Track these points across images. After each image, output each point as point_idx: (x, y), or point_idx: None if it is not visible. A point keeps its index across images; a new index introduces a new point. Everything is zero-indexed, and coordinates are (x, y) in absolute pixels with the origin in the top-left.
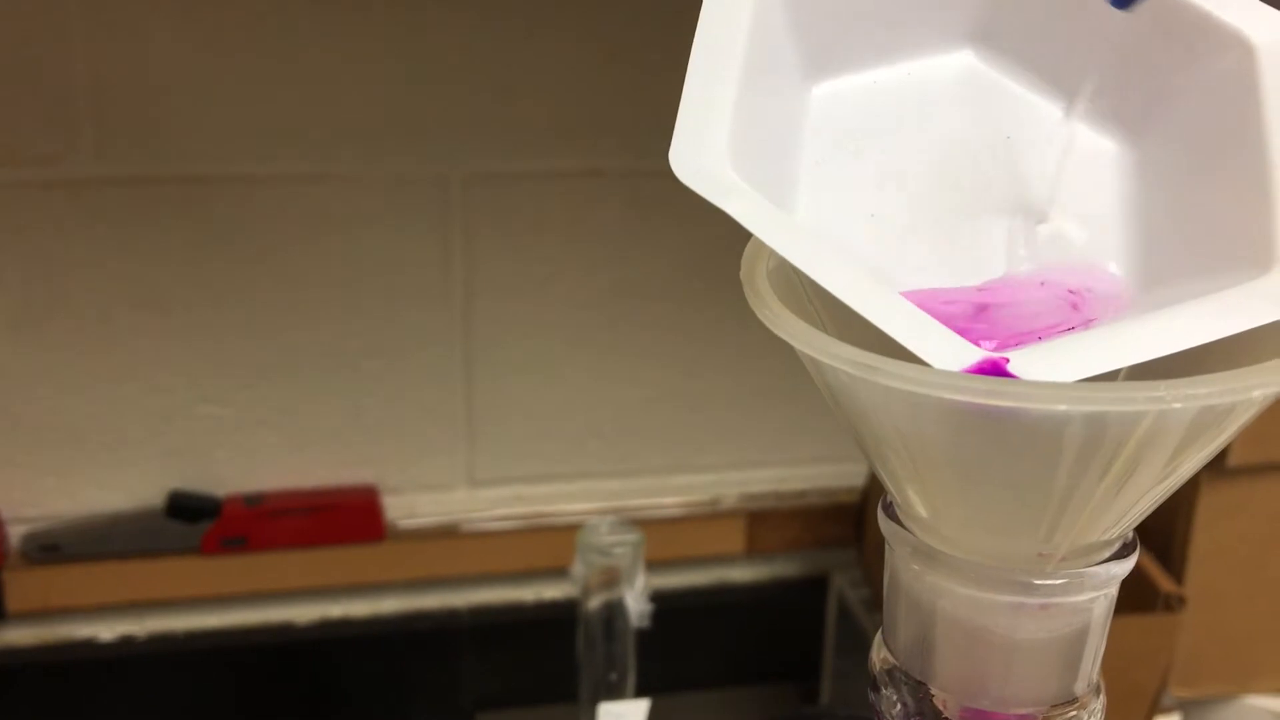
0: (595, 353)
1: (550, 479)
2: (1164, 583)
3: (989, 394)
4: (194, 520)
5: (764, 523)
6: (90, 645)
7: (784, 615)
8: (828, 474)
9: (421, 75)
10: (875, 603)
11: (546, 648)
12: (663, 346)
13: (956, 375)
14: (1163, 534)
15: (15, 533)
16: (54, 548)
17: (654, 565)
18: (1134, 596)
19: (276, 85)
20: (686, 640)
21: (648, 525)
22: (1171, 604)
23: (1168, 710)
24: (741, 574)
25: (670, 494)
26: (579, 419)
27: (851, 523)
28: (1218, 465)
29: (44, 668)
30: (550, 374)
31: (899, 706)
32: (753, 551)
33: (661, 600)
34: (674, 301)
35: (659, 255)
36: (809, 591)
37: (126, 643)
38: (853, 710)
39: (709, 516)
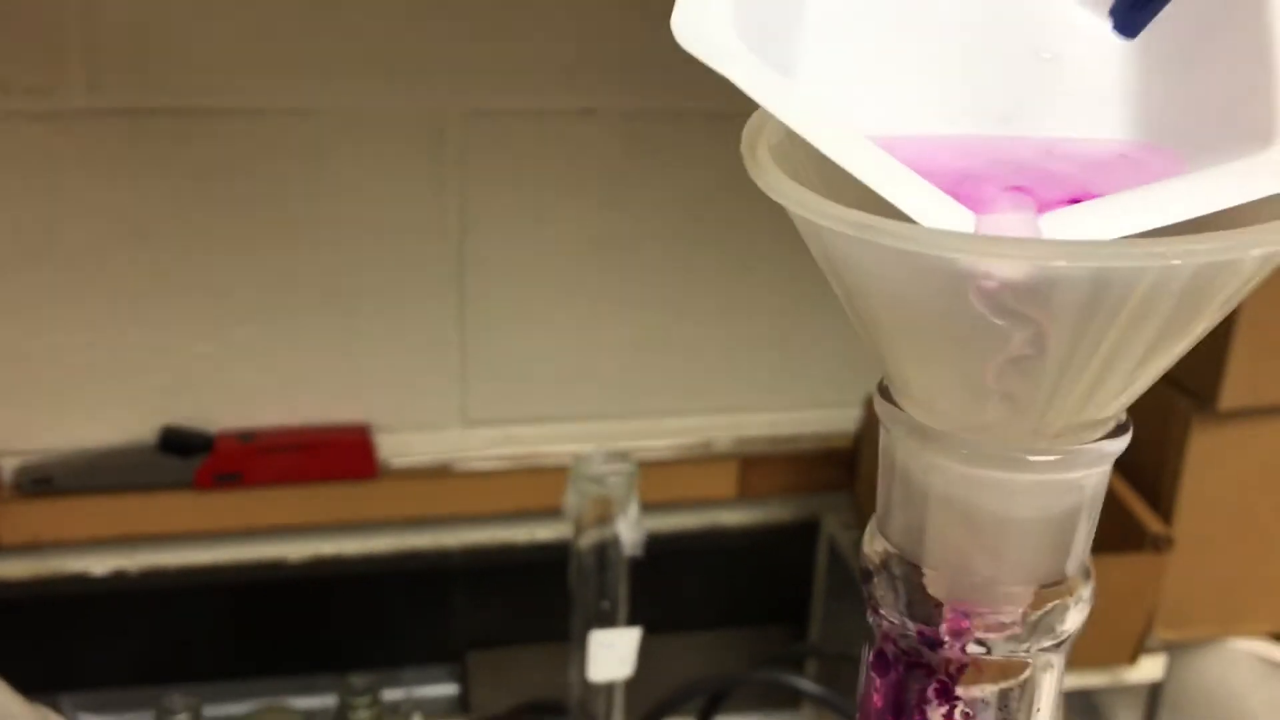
0: (589, 293)
1: (543, 420)
2: (1152, 524)
3: (985, 252)
4: (187, 455)
5: (756, 466)
6: (83, 579)
7: (775, 559)
8: (821, 418)
9: (418, 10)
10: None
11: (538, 588)
12: (657, 288)
13: (953, 234)
14: (1152, 475)
15: (8, 466)
16: (47, 481)
17: (646, 507)
18: (1122, 537)
19: (272, 18)
20: (678, 582)
21: (640, 468)
22: (1159, 545)
23: (1153, 651)
24: (733, 517)
25: (663, 436)
26: (573, 359)
27: (844, 467)
28: (1209, 408)
29: (36, 601)
30: (544, 314)
31: (891, 592)
32: (745, 495)
33: (653, 542)
34: (669, 243)
35: (654, 196)
36: (800, 535)
37: (119, 577)
38: (843, 648)
39: (701, 459)
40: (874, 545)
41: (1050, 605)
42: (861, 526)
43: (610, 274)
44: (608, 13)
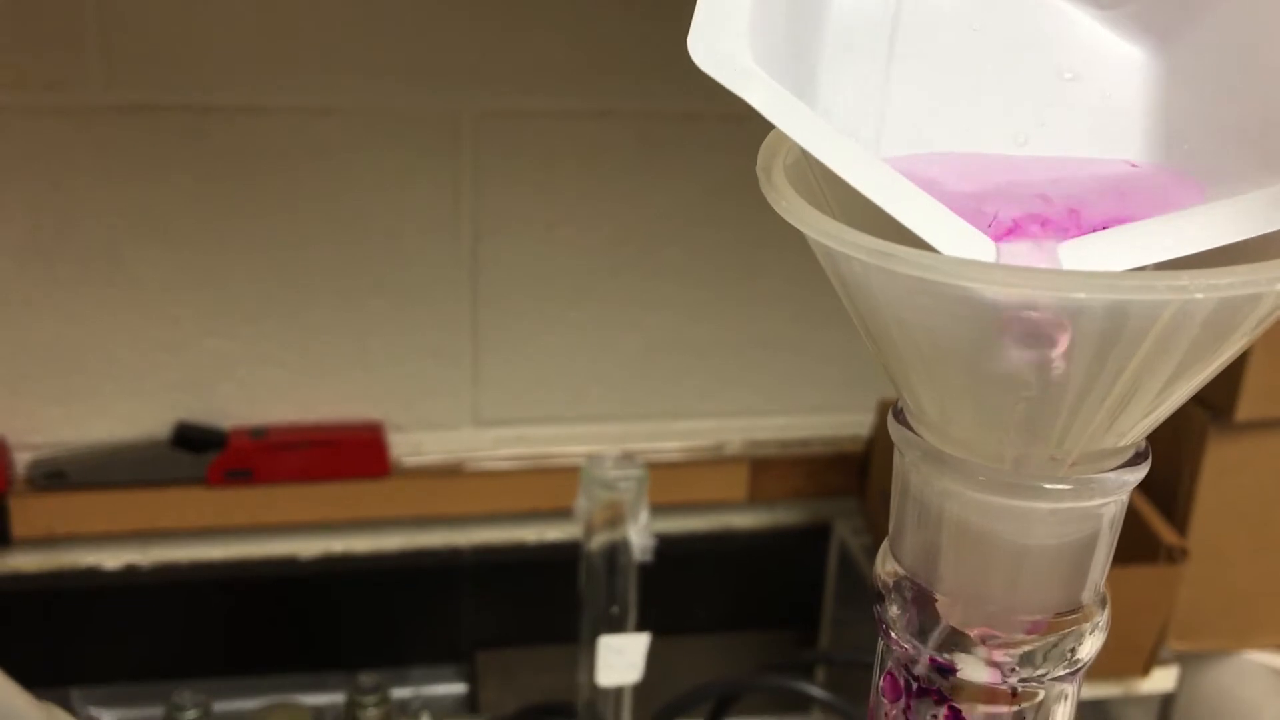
0: (602, 294)
1: (555, 420)
2: (1167, 535)
3: (1005, 283)
4: (199, 451)
5: (767, 470)
6: (95, 573)
7: (785, 563)
8: (832, 423)
9: (434, 11)
10: (877, 550)
11: (547, 588)
12: (669, 291)
13: (973, 263)
14: (1167, 486)
15: (21, 460)
16: (60, 475)
17: (656, 510)
18: (1136, 548)
19: (290, 15)
20: (687, 585)
21: (650, 469)
22: (1173, 556)
23: (1166, 662)
24: (743, 520)
25: (674, 438)
26: (585, 361)
27: (855, 472)
28: (1225, 420)
29: (48, 594)
30: (557, 315)
31: (903, 616)
32: (755, 499)
33: (663, 545)
34: (682, 246)
35: (668, 198)
36: (811, 539)
37: (131, 571)
38: (851, 654)
39: (712, 462)
40: (886, 566)
41: (1065, 632)
42: (872, 532)
43: (623, 275)
44: (623, 14)
